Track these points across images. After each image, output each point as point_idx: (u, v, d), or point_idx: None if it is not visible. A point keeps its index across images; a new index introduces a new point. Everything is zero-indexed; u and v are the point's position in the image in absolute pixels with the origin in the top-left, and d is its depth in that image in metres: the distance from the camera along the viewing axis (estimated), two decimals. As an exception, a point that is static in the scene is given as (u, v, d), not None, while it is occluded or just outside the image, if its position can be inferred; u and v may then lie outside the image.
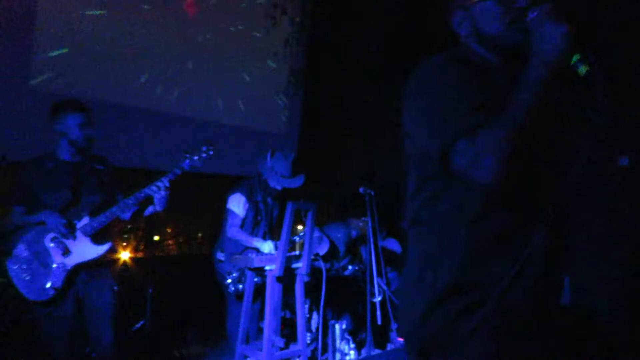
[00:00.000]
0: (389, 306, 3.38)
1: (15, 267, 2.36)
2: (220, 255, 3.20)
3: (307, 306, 3.69)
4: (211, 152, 2.68)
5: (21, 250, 2.38)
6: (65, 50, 4.05)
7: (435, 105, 1.07)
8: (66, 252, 2.41)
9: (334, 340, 3.46)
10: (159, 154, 4.43)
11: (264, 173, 3.25)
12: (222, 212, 3.33)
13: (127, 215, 2.63)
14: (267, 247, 3.09)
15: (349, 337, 3.50)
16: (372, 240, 3.27)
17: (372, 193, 3.36)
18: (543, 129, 1.03)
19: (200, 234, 5.67)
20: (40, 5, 3.89)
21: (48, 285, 2.35)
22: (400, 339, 3.47)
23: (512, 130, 0.97)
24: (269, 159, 3.26)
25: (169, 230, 5.68)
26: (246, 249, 3.20)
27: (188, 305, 4.20)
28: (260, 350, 2.85)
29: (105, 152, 2.75)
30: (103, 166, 2.62)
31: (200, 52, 5.01)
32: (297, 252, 3.10)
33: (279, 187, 3.27)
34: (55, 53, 4.02)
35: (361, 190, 3.38)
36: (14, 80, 3.78)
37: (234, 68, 5.36)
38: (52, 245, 2.39)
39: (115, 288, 2.57)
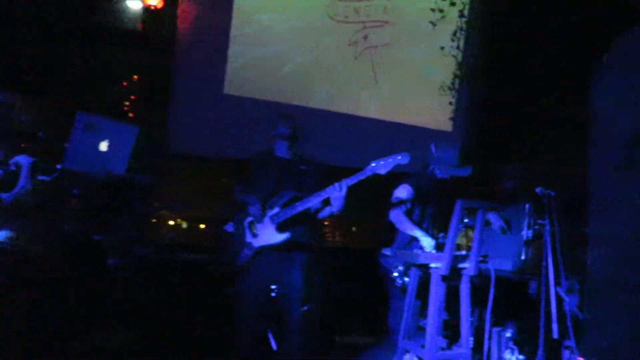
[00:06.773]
0: (568, 320, 3.06)
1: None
2: (387, 251, 3.26)
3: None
4: (400, 159, 2.73)
5: (229, 226, 2.94)
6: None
7: None
8: (254, 234, 2.79)
9: (498, 348, 3.27)
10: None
11: (430, 164, 3.23)
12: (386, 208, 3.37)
13: (312, 210, 2.89)
14: (427, 242, 2.99)
15: (515, 347, 3.27)
16: (549, 246, 3.00)
17: (552, 194, 3.07)
18: None
19: (354, 228, 5.85)
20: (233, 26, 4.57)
21: (240, 257, 2.83)
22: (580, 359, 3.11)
23: None
24: (434, 150, 3.23)
25: (325, 222, 5.99)
26: (410, 242, 3.21)
27: (350, 296, 4.38)
28: (422, 347, 2.85)
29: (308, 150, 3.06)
30: (306, 167, 2.95)
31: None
32: (463, 252, 3.00)
33: (447, 177, 3.22)
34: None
35: (538, 190, 3.11)
36: (211, 88, 4.45)
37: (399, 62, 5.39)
38: (247, 225, 2.84)
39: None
